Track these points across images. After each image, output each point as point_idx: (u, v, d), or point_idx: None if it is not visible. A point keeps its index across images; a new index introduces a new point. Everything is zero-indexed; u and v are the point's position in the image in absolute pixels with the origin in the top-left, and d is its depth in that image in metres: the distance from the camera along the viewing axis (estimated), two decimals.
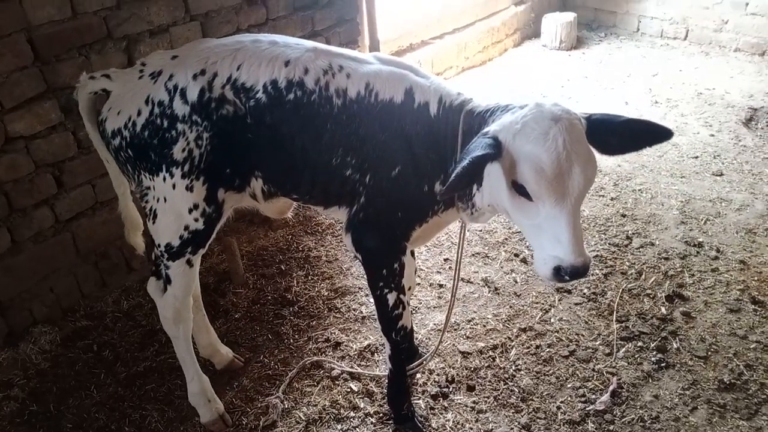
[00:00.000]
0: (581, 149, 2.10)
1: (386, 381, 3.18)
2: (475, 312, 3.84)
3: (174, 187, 2.55)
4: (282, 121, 2.50)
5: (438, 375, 3.41)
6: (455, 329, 3.71)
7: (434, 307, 3.90)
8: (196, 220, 2.64)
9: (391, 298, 2.79)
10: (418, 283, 4.01)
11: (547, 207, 2.11)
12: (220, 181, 2.61)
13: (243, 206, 2.93)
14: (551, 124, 2.09)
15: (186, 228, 2.66)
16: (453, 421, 3.14)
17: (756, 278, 3.98)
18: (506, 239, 4.49)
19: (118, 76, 2.60)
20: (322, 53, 2.55)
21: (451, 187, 2.14)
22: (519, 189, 2.16)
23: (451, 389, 3.33)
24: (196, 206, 2.60)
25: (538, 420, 3.14)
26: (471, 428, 3.10)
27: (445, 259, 4.31)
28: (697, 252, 4.26)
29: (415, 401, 3.23)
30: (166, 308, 2.89)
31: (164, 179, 2.54)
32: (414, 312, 3.84)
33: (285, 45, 2.56)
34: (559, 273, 2.14)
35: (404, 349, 3.04)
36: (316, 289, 4.06)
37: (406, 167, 2.51)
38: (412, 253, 3.20)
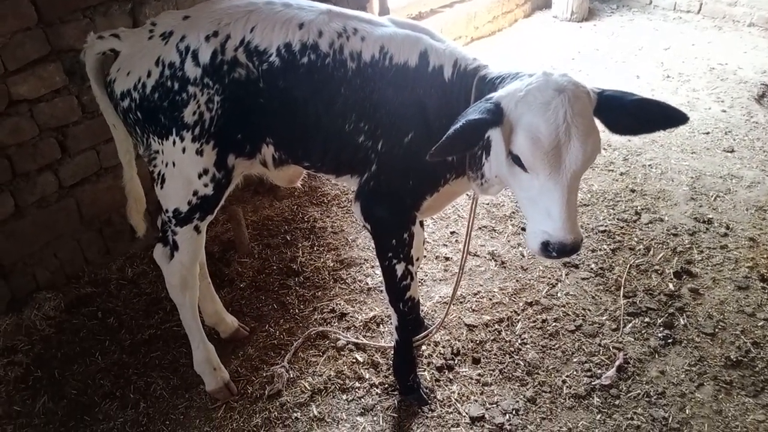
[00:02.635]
0: (583, 123, 2.02)
1: (392, 352, 3.16)
2: (481, 285, 3.82)
3: (184, 151, 2.50)
4: (295, 85, 2.44)
5: (443, 347, 3.39)
6: (461, 302, 3.69)
7: (440, 280, 3.88)
8: (206, 185, 2.60)
9: (400, 268, 2.76)
10: (425, 256, 3.97)
11: (541, 179, 2.05)
12: (230, 147, 2.56)
13: (252, 173, 2.88)
14: (554, 94, 2.02)
15: (195, 193, 2.62)
16: (458, 393, 3.13)
17: (765, 256, 3.95)
18: (513, 213, 4.45)
19: (127, 36, 2.53)
20: (336, 15, 2.48)
21: (441, 148, 2.03)
22: (515, 159, 2.11)
23: (456, 361, 3.32)
24: (206, 171, 2.56)
25: (544, 393, 3.13)
26: (476, 400, 3.09)
27: (452, 232, 4.28)
28: (707, 228, 4.22)
29: (421, 373, 3.23)
30: (172, 275, 2.86)
31: (174, 143, 2.49)
32: (420, 284, 3.81)
33: (299, 7, 2.50)
34: (546, 248, 2.08)
35: (411, 321, 3.03)
36: (322, 259, 4.04)
37: (419, 133, 2.45)
38: (421, 224, 3.16)
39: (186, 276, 2.86)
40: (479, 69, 2.41)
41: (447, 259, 4.04)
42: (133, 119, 2.55)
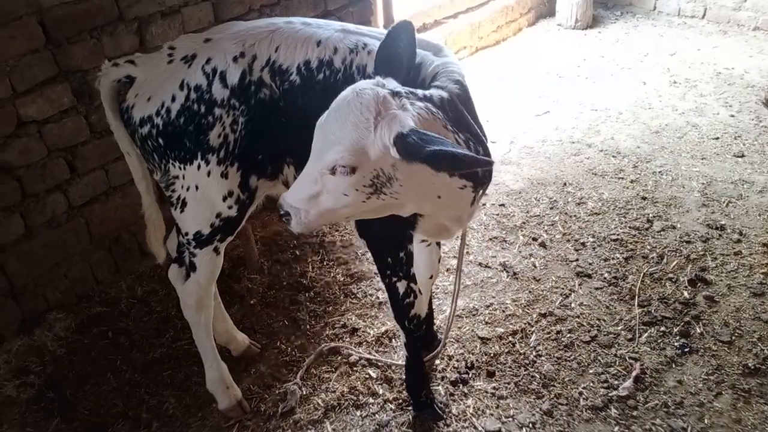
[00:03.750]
0: (333, 119, 2.03)
1: (403, 368, 3.13)
2: (493, 297, 3.79)
3: (209, 174, 2.49)
4: (312, 102, 2.42)
5: (457, 361, 3.36)
6: (474, 315, 3.66)
7: (451, 293, 3.84)
8: (230, 207, 2.59)
9: (401, 286, 2.72)
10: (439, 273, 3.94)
11: None
12: (252, 168, 2.56)
13: (273, 194, 2.86)
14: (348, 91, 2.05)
15: (218, 215, 2.61)
16: (474, 407, 3.10)
17: None
18: (524, 223, 4.42)
19: (143, 62, 2.52)
20: (351, 33, 2.49)
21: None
22: None
23: (470, 375, 3.28)
24: (230, 193, 2.56)
25: (560, 406, 3.09)
26: (492, 414, 3.06)
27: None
28: (720, 235, 4.18)
29: (435, 387, 3.19)
30: (188, 295, 2.84)
31: (198, 167, 2.48)
32: (431, 298, 3.78)
33: (317, 26, 2.51)
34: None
35: (419, 337, 2.99)
36: (332, 274, 4.02)
37: None
38: (438, 244, 3.12)
39: (202, 296, 2.85)
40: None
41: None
42: (152, 146, 2.52)
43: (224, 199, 2.56)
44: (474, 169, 2.14)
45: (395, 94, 2.04)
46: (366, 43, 2.44)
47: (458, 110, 2.19)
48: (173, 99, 2.42)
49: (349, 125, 2.00)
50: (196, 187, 2.54)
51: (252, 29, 2.48)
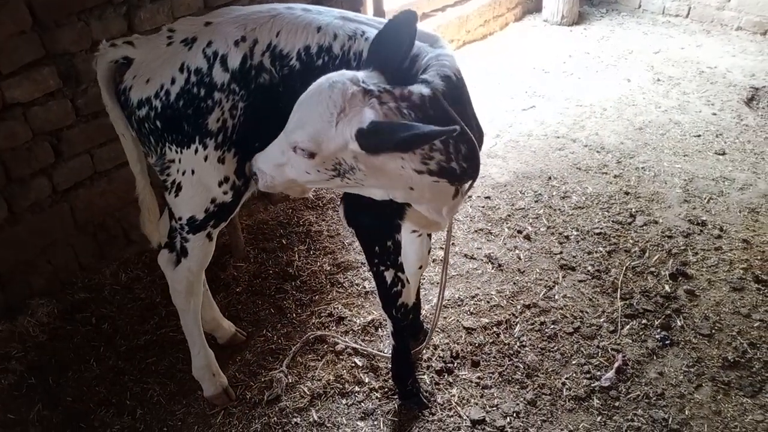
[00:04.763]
0: (304, 102, 2.12)
1: (390, 357, 3.15)
2: (478, 288, 3.82)
3: (206, 159, 2.48)
4: None
5: (442, 351, 3.39)
6: (459, 305, 3.69)
7: (437, 283, 3.86)
8: (225, 193, 2.59)
9: (389, 275, 2.75)
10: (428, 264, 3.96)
11: None
12: (248, 154, 2.54)
13: None
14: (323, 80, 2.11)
15: (213, 201, 2.61)
16: (458, 397, 3.13)
17: (759, 257, 3.97)
18: (509, 216, 4.45)
19: (142, 43, 2.49)
20: (350, 20, 2.48)
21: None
22: None
23: (455, 365, 3.31)
24: (226, 179, 2.55)
25: (544, 396, 3.14)
26: (476, 403, 3.09)
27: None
28: (701, 230, 4.25)
29: (420, 377, 3.22)
30: (178, 281, 2.83)
31: (196, 151, 2.47)
32: (419, 288, 3.80)
33: (317, 12, 2.50)
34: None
35: (406, 326, 3.01)
36: (318, 263, 4.02)
37: None
38: (429, 235, 3.14)
39: (193, 282, 2.84)
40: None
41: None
42: (148, 128, 2.50)
43: (220, 184, 2.55)
44: (430, 142, 2.10)
45: (367, 92, 2.06)
46: (364, 31, 2.43)
47: (441, 108, 2.16)
48: (173, 81, 2.40)
49: (315, 115, 2.07)
50: (192, 172, 2.53)
51: (253, 14, 2.47)
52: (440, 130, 1.95)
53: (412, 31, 2.20)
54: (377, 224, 2.66)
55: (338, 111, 2.03)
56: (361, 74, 2.12)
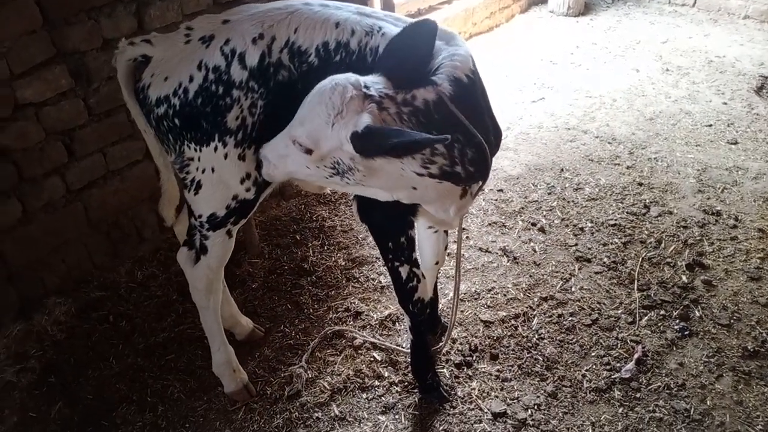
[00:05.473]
0: (309, 100, 2.16)
1: (408, 351, 3.14)
2: (494, 281, 3.81)
3: (226, 156, 2.47)
4: None
5: (461, 344, 3.38)
6: (476, 299, 3.67)
7: (452, 277, 3.86)
8: (248, 189, 2.58)
9: (403, 271, 2.74)
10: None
11: None
12: None
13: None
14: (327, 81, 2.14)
15: (235, 197, 2.60)
16: (478, 390, 3.12)
17: None
18: (523, 208, 4.44)
19: (160, 41, 2.48)
20: (367, 16, 2.46)
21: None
22: None
23: (474, 358, 3.30)
24: (248, 176, 2.54)
25: (564, 388, 3.12)
26: (497, 396, 3.08)
27: (462, 229, 4.26)
28: (716, 220, 4.23)
29: (440, 370, 3.21)
30: (198, 279, 2.82)
31: (215, 149, 2.45)
32: (436, 283, 3.79)
33: (335, 7, 2.48)
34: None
35: (424, 321, 3.00)
36: (333, 258, 4.01)
37: None
38: (446, 232, 3.14)
39: (212, 279, 2.84)
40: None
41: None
42: (167, 126, 2.49)
43: (242, 181, 2.54)
44: (422, 149, 2.12)
45: (367, 97, 2.09)
46: (381, 27, 2.41)
47: (446, 111, 2.18)
48: (191, 79, 2.39)
49: (314, 114, 2.13)
50: (212, 170, 2.51)
51: (270, 11, 2.45)
52: (431, 138, 2.00)
53: (430, 44, 2.22)
54: (390, 221, 2.66)
55: (335, 113, 2.08)
56: (365, 79, 2.14)
